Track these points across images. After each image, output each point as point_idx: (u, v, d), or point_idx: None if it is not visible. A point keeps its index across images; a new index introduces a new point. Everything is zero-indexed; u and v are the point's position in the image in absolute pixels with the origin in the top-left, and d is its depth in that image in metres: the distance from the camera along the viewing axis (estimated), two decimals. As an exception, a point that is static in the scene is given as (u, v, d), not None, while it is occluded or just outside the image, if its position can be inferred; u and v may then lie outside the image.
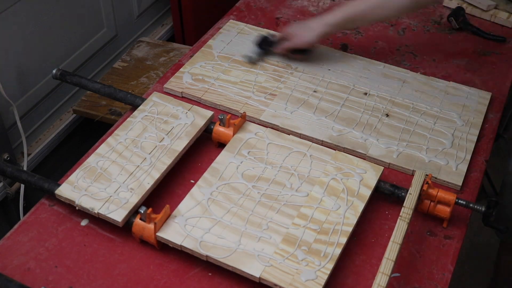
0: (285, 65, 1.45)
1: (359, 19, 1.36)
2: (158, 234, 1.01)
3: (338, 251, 0.99)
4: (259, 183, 1.11)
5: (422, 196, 1.08)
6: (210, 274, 1.01)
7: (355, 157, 1.17)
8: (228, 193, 1.09)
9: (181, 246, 1.00)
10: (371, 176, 1.12)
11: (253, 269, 0.96)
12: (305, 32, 1.36)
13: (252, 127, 1.23)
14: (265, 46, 1.44)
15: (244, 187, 1.10)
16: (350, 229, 1.03)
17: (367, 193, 1.09)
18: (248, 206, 1.06)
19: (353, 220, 1.04)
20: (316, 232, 1.02)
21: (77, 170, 1.11)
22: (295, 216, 1.05)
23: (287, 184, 1.11)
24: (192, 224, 1.03)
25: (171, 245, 1.01)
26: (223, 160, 1.15)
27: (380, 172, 1.13)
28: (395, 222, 1.02)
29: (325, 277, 0.95)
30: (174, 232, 1.01)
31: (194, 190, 1.09)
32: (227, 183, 1.11)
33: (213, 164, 1.14)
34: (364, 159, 1.21)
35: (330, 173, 1.13)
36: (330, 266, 0.97)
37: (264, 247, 0.99)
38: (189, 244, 0.99)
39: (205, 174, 1.12)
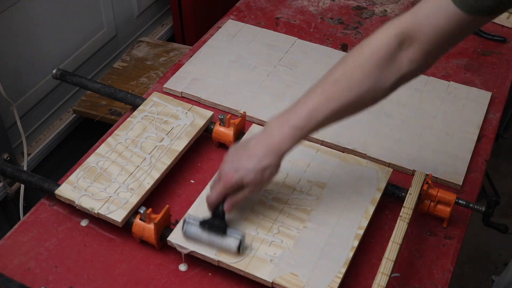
0: (286, 64, 1.45)
1: (325, 124, 0.95)
2: (168, 238, 1.00)
3: (350, 254, 0.99)
4: (269, 187, 1.10)
5: (422, 196, 1.08)
6: (210, 274, 1.01)
7: (364, 159, 1.16)
8: None
9: (193, 251, 0.99)
10: (381, 178, 1.11)
11: (266, 274, 0.95)
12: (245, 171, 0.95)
13: (259, 129, 1.22)
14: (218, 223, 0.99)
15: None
16: (361, 232, 1.02)
17: (377, 195, 1.08)
18: (259, 210, 1.06)
19: (364, 223, 1.04)
20: (327, 235, 1.01)
21: (77, 170, 1.11)
22: (306, 219, 1.04)
23: (296, 187, 1.10)
24: None
25: (178, 249, 1.00)
26: None
27: (389, 174, 1.12)
28: (395, 222, 1.01)
29: (338, 281, 0.95)
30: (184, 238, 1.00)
31: (204, 194, 1.08)
32: None
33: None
34: (364, 158, 1.20)
35: (339, 176, 1.12)
36: (343, 269, 0.96)
37: (276, 251, 0.99)
38: (200, 249, 0.99)
39: (215, 177, 1.11)
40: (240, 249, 0.96)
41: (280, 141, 0.93)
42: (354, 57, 0.92)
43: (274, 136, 0.94)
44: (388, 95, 0.94)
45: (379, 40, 0.90)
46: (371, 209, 1.06)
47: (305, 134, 0.93)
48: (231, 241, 0.96)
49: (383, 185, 1.10)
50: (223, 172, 0.97)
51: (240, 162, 0.95)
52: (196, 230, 0.98)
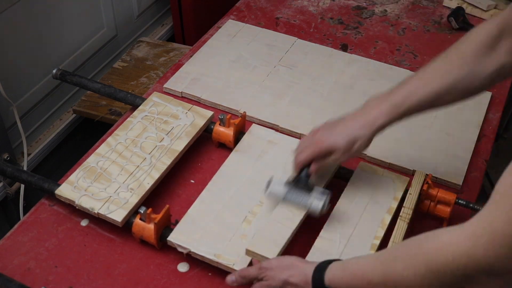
0: (286, 64, 1.45)
1: (421, 108, 0.97)
2: (169, 238, 1.00)
3: None
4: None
5: (422, 196, 1.07)
6: (210, 274, 1.01)
7: (380, 168, 1.14)
8: (238, 198, 1.08)
9: (192, 251, 0.99)
10: (397, 186, 1.09)
11: None
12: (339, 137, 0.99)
13: (259, 130, 1.22)
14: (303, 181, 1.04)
15: (254, 192, 1.09)
16: (377, 242, 1.00)
17: (394, 204, 1.06)
18: (259, 211, 1.05)
19: (381, 232, 1.01)
20: (343, 245, 0.99)
21: (77, 170, 1.11)
22: (321, 229, 1.02)
23: (311, 196, 1.05)
24: (202, 229, 1.02)
25: (179, 249, 1.00)
26: (232, 164, 1.15)
27: (406, 183, 1.10)
28: (395, 222, 1.01)
29: None
30: (185, 237, 1.01)
31: (204, 194, 1.09)
32: (237, 188, 1.10)
33: (222, 168, 1.14)
34: (364, 159, 1.20)
35: (355, 185, 1.09)
36: None
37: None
38: (199, 249, 0.99)
39: (214, 178, 1.12)
40: (324, 208, 1.00)
41: (376, 116, 0.97)
42: (455, 45, 0.94)
43: (370, 111, 0.98)
44: (484, 88, 0.94)
45: (481, 28, 0.91)
46: (388, 219, 1.03)
47: (400, 113, 0.96)
48: (315, 202, 1.00)
49: (400, 194, 1.08)
50: (316, 136, 1.02)
51: (334, 130, 1.00)
52: (281, 189, 1.03)
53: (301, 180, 1.03)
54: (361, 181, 1.10)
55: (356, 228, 1.02)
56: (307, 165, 1.03)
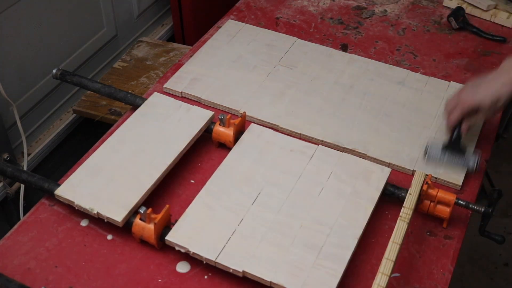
0: (286, 64, 1.45)
1: None
2: (166, 238, 1.00)
3: (350, 254, 0.99)
4: (267, 187, 1.10)
5: (422, 196, 1.08)
6: (210, 274, 1.01)
7: (362, 159, 1.16)
8: (236, 197, 1.08)
9: (190, 251, 0.99)
10: (379, 177, 1.11)
11: (264, 273, 0.95)
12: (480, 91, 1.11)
13: (258, 129, 1.22)
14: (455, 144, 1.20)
15: (252, 191, 1.09)
16: (360, 231, 1.02)
17: (375, 195, 1.08)
18: (257, 210, 1.06)
19: (363, 222, 1.03)
20: (326, 235, 1.01)
21: (77, 170, 1.11)
22: (305, 219, 1.04)
23: (295, 187, 1.10)
24: (200, 229, 1.02)
25: (177, 248, 1.00)
26: (230, 163, 1.15)
27: (388, 174, 1.12)
28: (395, 222, 1.01)
29: (337, 281, 0.95)
30: (182, 236, 1.01)
31: (203, 193, 1.09)
32: (236, 187, 1.10)
33: (220, 167, 1.14)
34: (364, 158, 1.20)
35: (338, 175, 1.12)
36: (342, 269, 0.96)
37: (274, 250, 0.99)
38: (198, 249, 0.99)
39: (213, 178, 1.12)
40: (477, 167, 1.17)
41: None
42: None
43: (510, 70, 1.08)
44: None
45: None
46: (370, 209, 1.06)
47: None
48: (470, 163, 1.17)
49: (381, 185, 1.10)
50: (462, 97, 1.13)
51: (479, 90, 1.10)
52: (439, 153, 1.19)
53: (455, 142, 1.18)
54: (343, 172, 1.13)
55: (339, 218, 1.04)
56: (458, 125, 1.16)
